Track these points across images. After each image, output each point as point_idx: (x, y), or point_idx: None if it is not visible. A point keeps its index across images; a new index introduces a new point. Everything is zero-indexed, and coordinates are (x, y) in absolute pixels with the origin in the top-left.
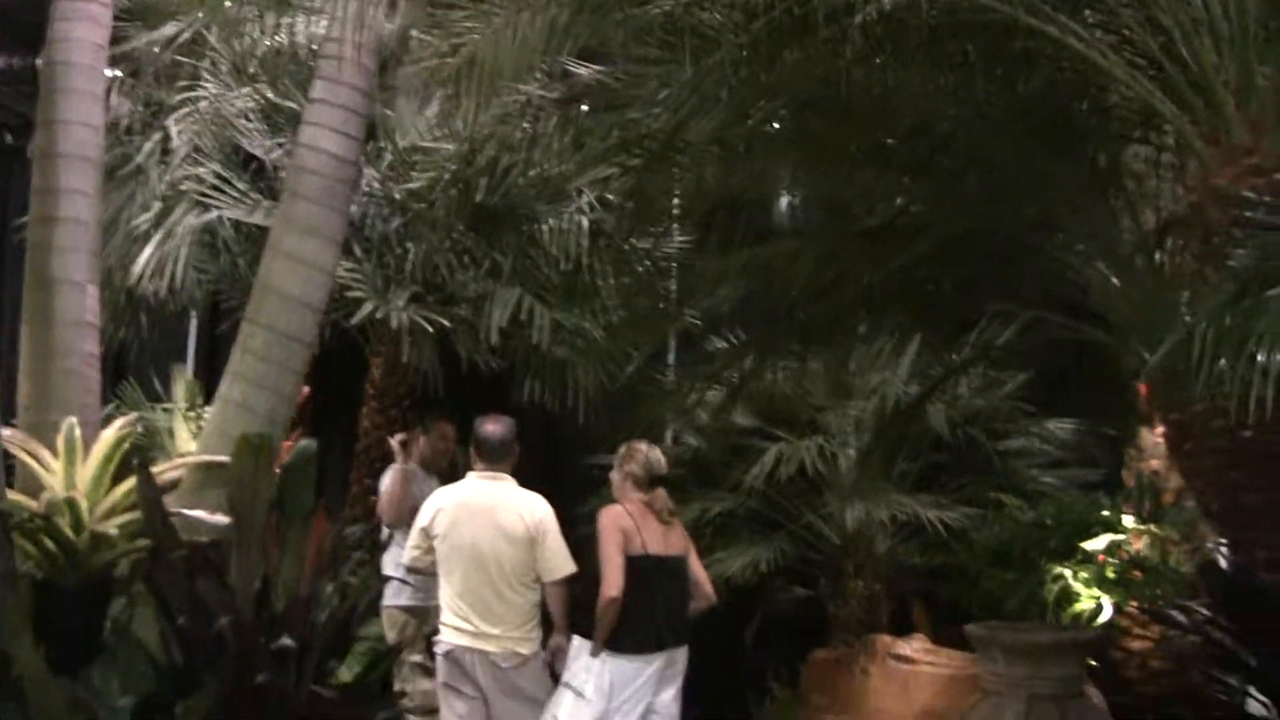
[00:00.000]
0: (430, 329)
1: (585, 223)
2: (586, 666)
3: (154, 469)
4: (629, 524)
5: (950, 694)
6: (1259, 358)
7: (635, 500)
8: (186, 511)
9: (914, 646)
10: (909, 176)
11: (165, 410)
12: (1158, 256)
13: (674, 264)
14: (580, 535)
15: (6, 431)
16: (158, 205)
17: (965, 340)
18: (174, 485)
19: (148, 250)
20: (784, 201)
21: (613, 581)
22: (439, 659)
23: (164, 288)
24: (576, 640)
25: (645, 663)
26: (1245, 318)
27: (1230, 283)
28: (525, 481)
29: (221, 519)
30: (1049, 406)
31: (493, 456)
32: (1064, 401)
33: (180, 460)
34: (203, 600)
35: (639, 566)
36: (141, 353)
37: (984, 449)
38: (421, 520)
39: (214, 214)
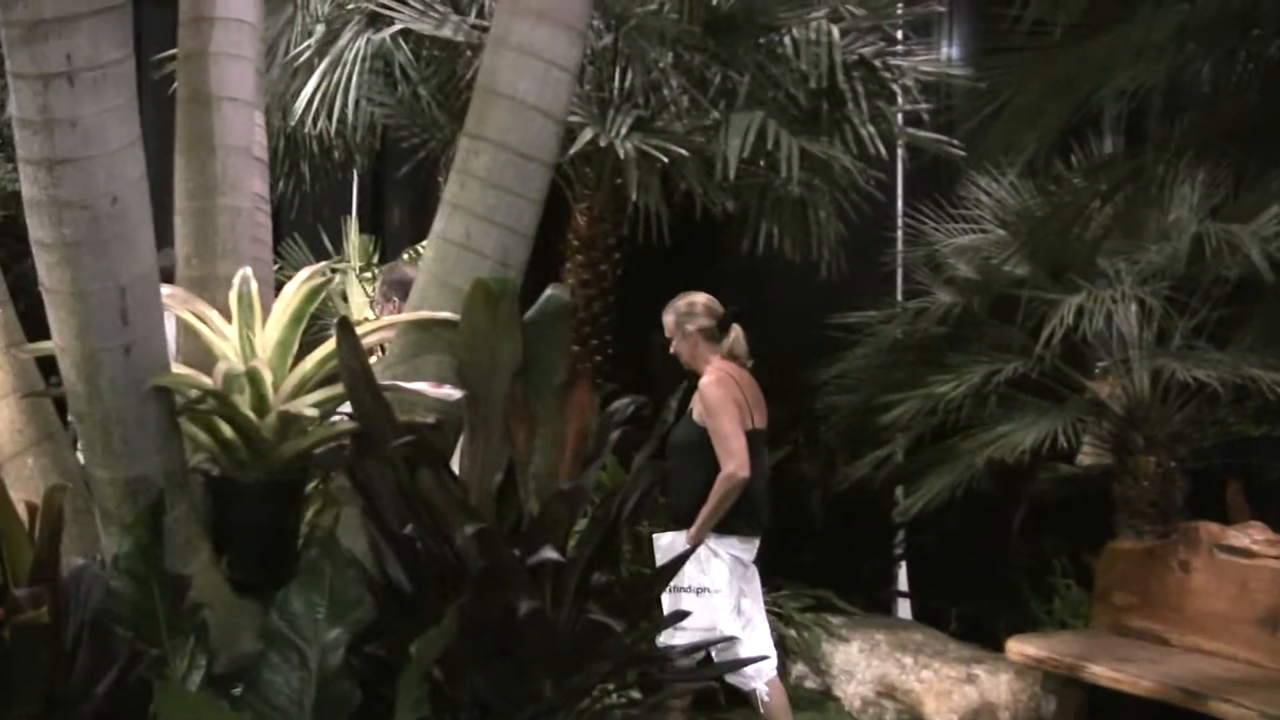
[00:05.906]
0: (666, 160)
1: (836, 33)
2: (693, 559)
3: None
4: (739, 395)
5: None
6: None
7: (725, 364)
8: (403, 384)
9: (1252, 536)
10: None
11: (335, 270)
12: None
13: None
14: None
15: (166, 289)
16: (320, 29)
17: None
18: (377, 351)
19: (311, 83)
20: None
21: (742, 460)
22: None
23: (331, 128)
24: (666, 538)
25: (753, 547)
26: None
27: None
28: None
29: (450, 392)
30: None
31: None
32: None
33: (385, 319)
34: (428, 500)
35: (752, 442)
36: (303, 207)
37: None
38: None
39: (389, 30)
